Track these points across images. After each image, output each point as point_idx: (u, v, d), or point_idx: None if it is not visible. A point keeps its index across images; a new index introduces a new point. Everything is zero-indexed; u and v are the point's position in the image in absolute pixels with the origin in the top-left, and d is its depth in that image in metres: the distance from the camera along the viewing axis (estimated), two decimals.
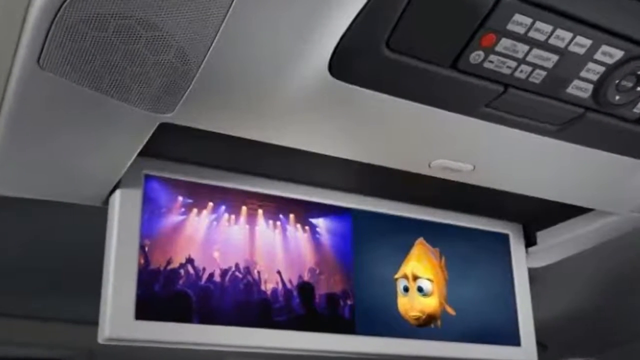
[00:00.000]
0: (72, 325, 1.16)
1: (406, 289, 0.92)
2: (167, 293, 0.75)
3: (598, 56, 0.61)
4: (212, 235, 0.80)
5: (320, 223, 0.88)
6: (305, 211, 0.87)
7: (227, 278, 0.79)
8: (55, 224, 0.93)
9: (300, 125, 0.67)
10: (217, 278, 0.79)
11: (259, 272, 0.81)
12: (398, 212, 0.94)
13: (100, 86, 0.55)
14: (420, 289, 0.92)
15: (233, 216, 0.82)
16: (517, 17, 0.56)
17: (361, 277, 0.88)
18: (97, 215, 0.77)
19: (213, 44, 0.53)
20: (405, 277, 0.92)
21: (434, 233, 0.96)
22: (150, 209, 0.77)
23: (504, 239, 1.03)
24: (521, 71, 0.61)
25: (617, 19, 0.58)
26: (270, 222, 0.84)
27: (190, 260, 0.78)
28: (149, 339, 0.73)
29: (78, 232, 0.91)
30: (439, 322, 0.93)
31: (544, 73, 0.61)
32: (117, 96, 0.56)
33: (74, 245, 0.95)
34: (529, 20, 0.56)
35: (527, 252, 1.06)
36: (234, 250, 0.81)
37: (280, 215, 0.85)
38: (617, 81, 0.63)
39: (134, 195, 0.76)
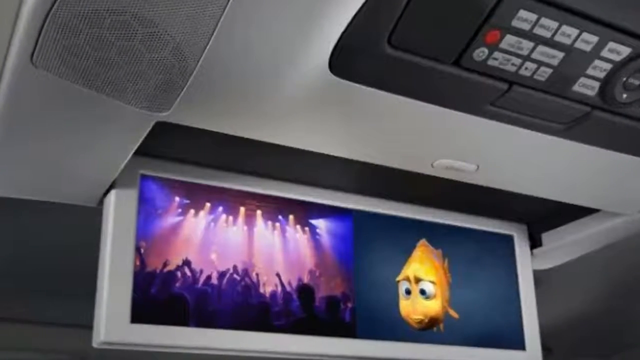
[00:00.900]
0: (65, 328, 1.16)
1: (408, 292, 0.91)
2: (164, 296, 0.75)
3: (605, 53, 0.60)
4: (209, 237, 0.80)
5: (321, 224, 0.87)
6: (305, 212, 0.86)
7: (224, 280, 0.79)
8: (48, 225, 0.93)
9: (300, 123, 0.67)
10: (214, 280, 0.78)
11: (257, 275, 0.81)
12: (400, 213, 0.94)
13: (95, 84, 0.54)
14: (422, 292, 0.92)
15: (231, 217, 0.81)
16: (522, 13, 0.55)
17: (362, 280, 0.88)
18: (92, 216, 0.76)
19: (211, 41, 0.52)
20: (407, 279, 0.91)
21: (436, 234, 0.96)
22: (146, 210, 0.77)
23: (508, 240, 1.03)
24: (526, 68, 0.60)
25: (624, 15, 0.58)
26: (269, 223, 0.84)
27: (187, 262, 0.77)
28: (144, 343, 0.73)
29: (72, 233, 0.90)
30: (441, 326, 0.93)
31: (549, 70, 0.61)
32: (112, 94, 0.56)
33: (68, 247, 0.95)
34: (534, 17, 0.56)
35: (532, 253, 1.05)
36: (232, 252, 0.80)
37: (280, 216, 0.85)
38: (624, 79, 0.63)
39: (130, 196, 0.75)
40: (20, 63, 0.52)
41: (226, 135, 0.68)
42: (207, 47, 0.53)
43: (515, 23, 0.56)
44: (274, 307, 0.81)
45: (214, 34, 0.51)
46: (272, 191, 0.85)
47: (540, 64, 0.60)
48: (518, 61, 0.59)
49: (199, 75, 0.55)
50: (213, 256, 0.79)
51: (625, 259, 1.14)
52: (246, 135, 0.68)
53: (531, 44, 0.58)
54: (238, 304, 0.79)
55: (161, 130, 0.64)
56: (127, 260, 0.73)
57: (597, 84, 0.63)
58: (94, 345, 0.72)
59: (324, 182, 0.88)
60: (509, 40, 0.57)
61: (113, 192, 0.75)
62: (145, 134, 0.65)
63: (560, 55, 0.59)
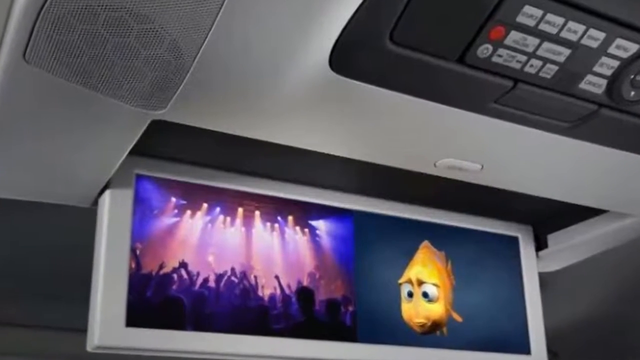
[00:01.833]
0: (59, 332, 1.16)
1: (410, 295, 0.91)
2: (160, 299, 0.74)
3: (612, 50, 0.60)
4: (206, 238, 0.79)
5: (320, 225, 0.87)
6: (304, 213, 0.86)
7: (222, 283, 0.78)
8: (41, 226, 0.93)
9: (300, 122, 0.67)
10: (211, 283, 0.78)
11: (255, 277, 0.81)
12: (402, 214, 0.93)
13: (89, 81, 0.54)
14: (425, 295, 0.91)
15: (229, 218, 0.81)
16: (527, 8, 0.55)
17: (363, 282, 0.88)
18: (87, 217, 0.76)
19: (208, 38, 0.52)
20: (410, 282, 0.91)
21: (439, 236, 0.95)
22: (142, 211, 0.76)
23: (513, 242, 1.02)
24: (531, 66, 0.60)
25: (632, 11, 0.57)
26: (268, 224, 0.83)
27: (183, 265, 0.77)
28: (140, 347, 0.72)
29: (65, 234, 0.91)
30: (444, 330, 0.92)
31: (555, 68, 0.60)
32: (107, 92, 0.55)
33: (62, 249, 0.95)
34: (539, 12, 0.55)
35: (537, 255, 1.05)
36: (229, 254, 0.80)
37: (279, 217, 0.84)
38: (632, 76, 0.62)
39: (125, 196, 0.75)
40: (13, 60, 0.51)
41: (224, 134, 0.67)
42: (204, 44, 0.52)
43: (520, 19, 0.55)
44: (273, 310, 0.80)
45: (211, 30, 0.51)
46: (271, 191, 0.84)
47: (546, 61, 0.59)
48: (523, 58, 0.59)
49: (196, 72, 0.55)
50: (210, 258, 0.79)
51: (633, 261, 1.14)
52: (244, 134, 0.68)
53: (537, 41, 0.57)
54: (236, 307, 0.78)
55: (157, 129, 0.63)
56: (122, 262, 0.73)
57: (604, 82, 0.62)
58: (88, 349, 0.71)
59: (324, 182, 0.88)
60: (514, 36, 0.56)
61: (108, 193, 0.75)
62: (140, 133, 0.64)
63: (567, 52, 0.59)
